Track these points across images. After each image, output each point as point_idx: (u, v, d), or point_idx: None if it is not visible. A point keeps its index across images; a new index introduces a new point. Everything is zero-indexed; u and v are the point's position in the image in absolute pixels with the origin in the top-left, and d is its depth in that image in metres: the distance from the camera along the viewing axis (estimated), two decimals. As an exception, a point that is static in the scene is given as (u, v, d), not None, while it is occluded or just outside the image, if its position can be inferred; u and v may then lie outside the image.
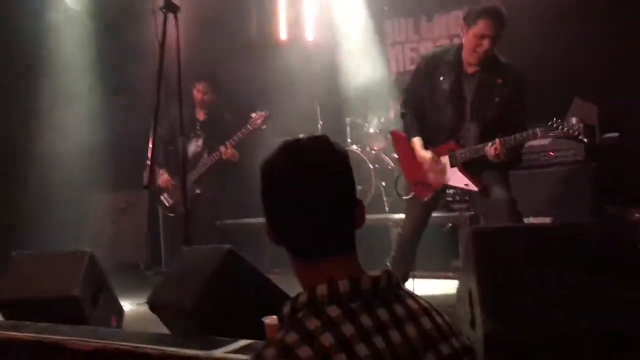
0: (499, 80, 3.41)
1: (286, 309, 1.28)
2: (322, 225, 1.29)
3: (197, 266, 2.64)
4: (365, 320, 1.23)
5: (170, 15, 3.25)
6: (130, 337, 2.51)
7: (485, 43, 3.31)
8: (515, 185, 4.18)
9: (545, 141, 4.57)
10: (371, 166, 5.68)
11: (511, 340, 1.90)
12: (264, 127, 5.08)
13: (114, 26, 5.86)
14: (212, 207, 5.31)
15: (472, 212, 4.63)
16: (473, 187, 3.49)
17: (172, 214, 5.23)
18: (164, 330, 2.78)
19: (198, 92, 5.26)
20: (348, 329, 1.21)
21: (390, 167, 5.68)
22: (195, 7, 5.54)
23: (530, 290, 1.98)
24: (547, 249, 2.08)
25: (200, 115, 5.33)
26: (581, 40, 4.98)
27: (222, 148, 5.11)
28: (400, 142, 3.87)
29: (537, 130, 3.28)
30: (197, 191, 5.15)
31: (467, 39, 3.38)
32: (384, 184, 5.67)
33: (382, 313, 1.25)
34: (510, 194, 3.44)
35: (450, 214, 5.01)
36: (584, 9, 5.02)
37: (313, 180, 1.29)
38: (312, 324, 1.22)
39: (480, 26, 3.30)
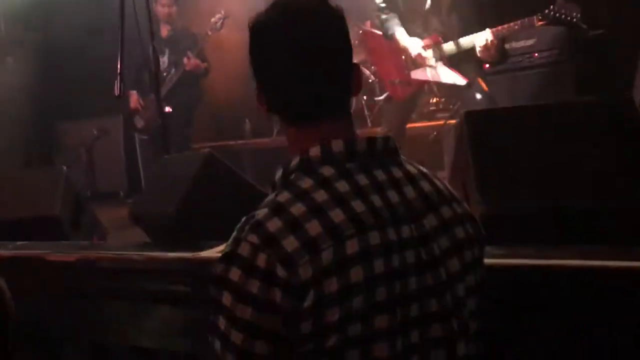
0: None
1: (278, 173, 1.22)
2: (317, 84, 1.21)
3: (177, 172, 2.54)
4: (362, 179, 1.17)
5: None
6: (114, 246, 2.43)
7: None
8: (499, 90, 4.11)
9: (530, 41, 4.45)
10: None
11: (508, 218, 1.85)
12: (221, 29, 4.95)
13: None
14: (185, 126, 5.19)
15: (457, 120, 4.56)
16: (461, 81, 3.39)
17: (145, 136, 5.11)
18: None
19: (162, 6, 5.07)
20: (343, 186, 1.15)
21: (370, 81, 5.55)
22: None
23: (526, 168, 1.92)
24: (542, 126, 2.00)
25: (164, 31, 5.17)
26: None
27: (184, 59, 4.97)
28: (373, 41, 3.73)
29: (534, 18, 3.16)
30: (168, 109, 5.02)
31: None
32: (365, 97, 5.56)
33: (379, 174, 1.19)
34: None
35: (434, 123, 4.94)
36: None
37: (309, 34, 1.20)
38: (306, 183, 1.16)
39: None
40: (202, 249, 2.13)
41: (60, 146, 5.96)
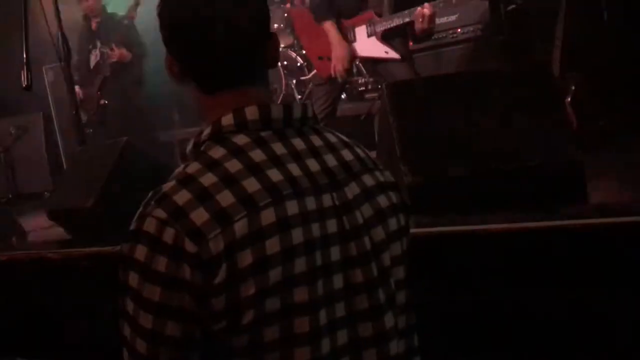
0: None
1: (189, 146, 1.13)
2: (230, 47, 1.12)
3: (94, 164, 2.41)
4: (278, 147, 1.10)
5: None
6: (33, 245, 2.29)
7: None
8: (424, 68, 4.13)
9: (452, 17, 4.49)
10: (279, 64, 5.46)
11: (433, 186, 1.83)
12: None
13: None
14: (120, 118, 4.99)
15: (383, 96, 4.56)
16: (394, 55, 3.36)
17: (90, 130, 4.95)
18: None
19: (84, 0, 4.93)
20: (258, 155, 1.07)
21: (299, 65, 5.49)
22: None
23: (447, 136, 1.91)
24: (462, 94, 2.00)
25: (94, 24, 5.02)
26: None
27: (108, 51, 4.83)
28: (301, 19, 3.68)
29: None
30: (103, 101, 4.89)
31: None
32: (294, 81, 5.49)
33: (297, 142, 1.12)
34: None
35: (364, 103, 4.92)
36: None
37: (226, 6, 1.12)
38: (217, 152, 1.08)
39: None
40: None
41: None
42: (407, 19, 3.24)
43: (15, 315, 2.00)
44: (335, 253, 1.08)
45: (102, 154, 2.46)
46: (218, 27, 1.12)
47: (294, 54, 5.53)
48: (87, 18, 5.05)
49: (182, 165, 1.10)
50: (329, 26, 3.42)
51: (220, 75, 1.15)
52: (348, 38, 3.45)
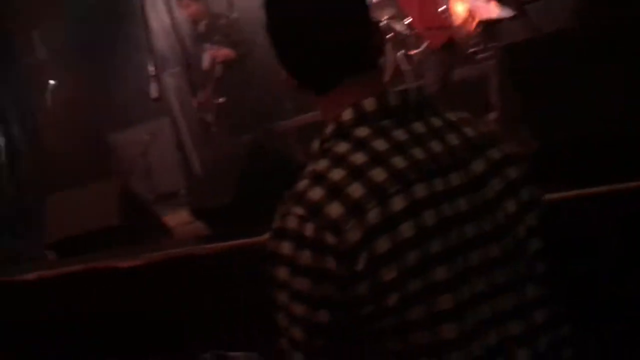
0: None
1: (314, 144, 1.20)
2: (332, 50, 1.17)
3: (226, 162, 2.58)
4: (400, 134, 1.13)
5: None
6: (178, 243, 2.50)
7: None
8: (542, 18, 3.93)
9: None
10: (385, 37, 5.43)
11: (559, 151, 1.78)
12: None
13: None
14: (238, 115, 5.10)
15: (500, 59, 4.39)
16: (508, 13, 3.25)
17: (215, 129, 5.13)
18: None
19: (184, 7, 5.07)
20: (380, 144, 1.12)
21: (405, 34, 5.42)
22: None
23: (568, 97, 1.83)
24: (584, 50, 1.90)
25: (201, 27, 5.15)
26: None
27: (215, 52, 4.99)
28: None
29: None
30: (220, 100, 5.04)
31: None
32: (401, 52, 5.43)
33: (418, 126, 1.15)
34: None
35: (477, 66, 4.78)
36: None
37: (315, 2, 1.18)
38: (341, 147, 1.13)
39: None
40: (263, 233, 2.16)
41: (116, 158, 6.12)
42: None
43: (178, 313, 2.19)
44: (470, 230, 1.10)
45: (231, 153, 2.61)
46: (323, 26, 1.17)
47: (397, 27, 5.47)
48: (194, 22, 5.17)
49: (312, 164, 1.16)
50: None
51: (332, 73, 1.19)
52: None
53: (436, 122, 1.18)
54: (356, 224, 1.05)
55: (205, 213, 2.67)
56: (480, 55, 4.87)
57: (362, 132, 1.14)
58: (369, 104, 1.15)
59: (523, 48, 2.06)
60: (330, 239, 1.05)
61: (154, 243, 3.33)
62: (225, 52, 5.01)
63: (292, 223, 1.09)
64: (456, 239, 1.09)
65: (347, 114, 1.15)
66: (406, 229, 1.06)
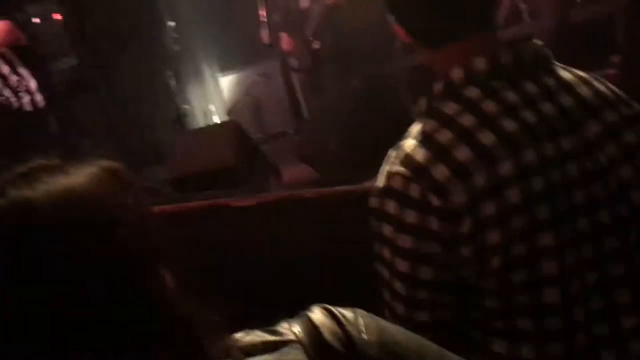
0: None
1: (422, 101, 1.21)
2: (449, 4, 1.17)
3: (333, 108, 2.63)
4: (510, 96, 1.13)
5: None
6: (286, 187, 2.61)
7: None
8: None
9: None
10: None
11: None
12: None
13: None
14: (335, 60, 5.18)
15: None
16: None
17: (303, 74, 5.24)
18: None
19: None
20: (490, 106, 1.12)
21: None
22: None
23: None
24: None
25: None
26: None
27: None
28: None
29: None
30: (316, 46, 5.03)
31: None
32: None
33: (530, 87, 1.14)
34: None
35: (600, 5, 4.45)
36: None
37: None
38: (450, 108, 1.14)
39: None
40: (367, 178, 2.22)
41: (228, 97, 6.35)
42: None
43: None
44: (579, 196, 1.09)
45: (339, 98, 2.66)
46: None
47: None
48: None
49: (419, 122, 1.18)
50: None
51: (444, 29, 1.18)
52: None
53: (550, 81, 1.16)
54: (462, 187, 1.07)
55: (313, 158, 2.75)
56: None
57: (472, 92, 1.13)
58: (480, 63, 1.14)
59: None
60: (435, 201, 1.07)
61: (265, 182, 3.51)
62: None
63: (397, 182, 1.12)
64: (565, 206, 1.08)
65: (457, 73, 1.15)
66: (513, 195, 1.06)
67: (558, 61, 1.20)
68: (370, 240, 1.18)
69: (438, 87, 1.18)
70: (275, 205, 2.43)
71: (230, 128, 3.56)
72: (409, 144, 1.14)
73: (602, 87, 1.18)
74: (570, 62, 1.24)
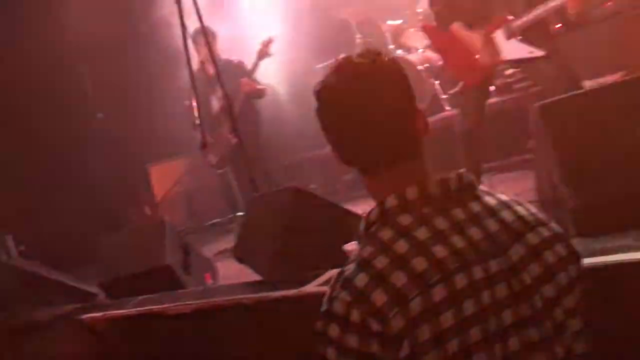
0: None
1: (361, 226, 1.27)
2: (380, 137, 1.26)
3: (269, 212, 2.65)
4: (440, 222, 1.19)
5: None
6: (223, 290, 2.58)
7: None
8: (573, 55, 3.95)
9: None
10: (420, 67, 5.48)
11: (598, 208, 1.80)
12: (271, 53, 5.02)
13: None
14: (256, 150, 5.11)
15: (537, 87, 4.39)
16: (539, 53, 3.26)
17: (221, 170, 5.23)
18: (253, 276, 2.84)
19: (199, 45, 4.93)
20: (422, 233, 1.18)
21: (440, 63, 5.46)
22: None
23: (610, 153, 1.85)
24: (625, 106, 1.92)
25: (210, 69, 4.98)
26: None
27: (241, 82, 4.99)
28: (435, 33, 3.70)
29: None
30: (234, 140, 4.77)
31: None
32: (437, 82, 5.48)
33: (458, 213, 1.21)
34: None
35: (514, 96, 4.79)
36: None
37: (366, 93, 1.26)
38: (386, 234, 1.20)
39: None
40: (306, 283, 2.23)
41: (150, 187, 6.27)
42: (554, 3, 3.12)
43: None
44: (508, 316, 1.15)
45: (275, 202, 2.69)
46: (369, 117, 1.24)
47: (434, 54, 5.51)
48: (202, 63, 5.07)
49: (359, 248, 1.23)
50: (457, 27, 3.39)
51: (376, 160, 1.27)
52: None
53: (476, 206, 1.23)
54: (399, 312, 1.11)
55: (249, 259, 2.75)
56: (517, 86, 4.91)
57: (405, 220, 1.20)
58: (411, 192, 1.22)
59: (559, 104, 2.08)
60: (375, 325, 1.12)
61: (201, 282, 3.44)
62: (253, 84, 5.04)
63: (339, 308, 1.16)
64: (495, 326, 1.14)
65: (391, 201, 1.22)
66: (446, 319, 1.12)
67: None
68: (311, 350, 1.21)
69: (374, 213, 1.24)
70: (212, 312, 2.39)
71: (160, 227, 3.50)
72: (350, 269, 1.19)
73: (523, 211, 1.26)
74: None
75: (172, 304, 2.60)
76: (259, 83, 5.13)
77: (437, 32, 3.68)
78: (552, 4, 3.12)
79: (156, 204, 5.96)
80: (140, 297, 2.94)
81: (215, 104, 5.13)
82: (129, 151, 6.16)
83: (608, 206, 1.81)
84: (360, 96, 1.25)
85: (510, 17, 3.26)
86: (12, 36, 5.46)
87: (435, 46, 3.91)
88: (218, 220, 5.94)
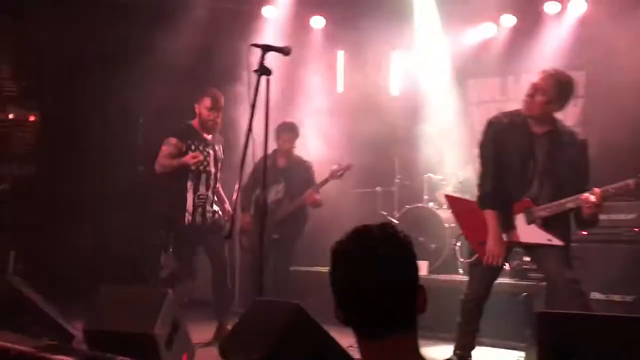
0: (567, 141, 3.52)
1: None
2: (381, 311, 1.37)
3: (267, 320, 2.75)
4: None
5: (263, 78, 3.44)
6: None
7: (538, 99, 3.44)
8: (591, 259, 4.12)
9: (631, 215, 4.44)
10: (446, 225, 5.65)
11: None
12: (341, 177, 5.33)
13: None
14: (287, 253, 5.44)
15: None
16: (558, 242, 3.44)
17: (250, 256, 5.39)
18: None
19: (284, 142, 5.41)
20: None
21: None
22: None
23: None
24: (615, 343, 2.04)
25: (282, 161, 5.46)
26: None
27: (305, 193, 5.29)
28: (457, 204, 3.94)
29: (631, 181, 3.25)
30: (275, 236, 5.27)
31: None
32: (459, 244, 5.62)
33: None
34: (572, 270, 3.43)
35: (526, 283, 4.90)
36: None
37: (376, 269, 1.37)
38: None
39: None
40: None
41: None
42: (567, 207, 3.34)
43: None
44: None
45: (275, 312, 2.79)
46: (369, 287, 1.36)
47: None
48: (275, 152, 5.39)
49: None
50: (490, 216, 3.59)
51: (373, 329, 1.37)
52: (508, 224, 3.58)
53: None
54: None
55: (233, 358, 2.82)
56: (532, 274, 5.00)
57: None
58: None
59: (559, 318, 2.20)
60: None
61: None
62: (318, 198, 5.36)
63: None
64: None
65: None
66: None
67: None
68: None
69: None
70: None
71: (160, 296, 3.59)
72: None
73: None
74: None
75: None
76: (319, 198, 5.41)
77: (459, 203, 3.92)
78: (569, 204, 3.35)
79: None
80: (109, 355, 2.97)
81: (273, 195, 5.35)
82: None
83: None
84: (371, 271, 1.36)
85: (532, 204, 3.48)
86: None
87: (455, 216, 4.11)
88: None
